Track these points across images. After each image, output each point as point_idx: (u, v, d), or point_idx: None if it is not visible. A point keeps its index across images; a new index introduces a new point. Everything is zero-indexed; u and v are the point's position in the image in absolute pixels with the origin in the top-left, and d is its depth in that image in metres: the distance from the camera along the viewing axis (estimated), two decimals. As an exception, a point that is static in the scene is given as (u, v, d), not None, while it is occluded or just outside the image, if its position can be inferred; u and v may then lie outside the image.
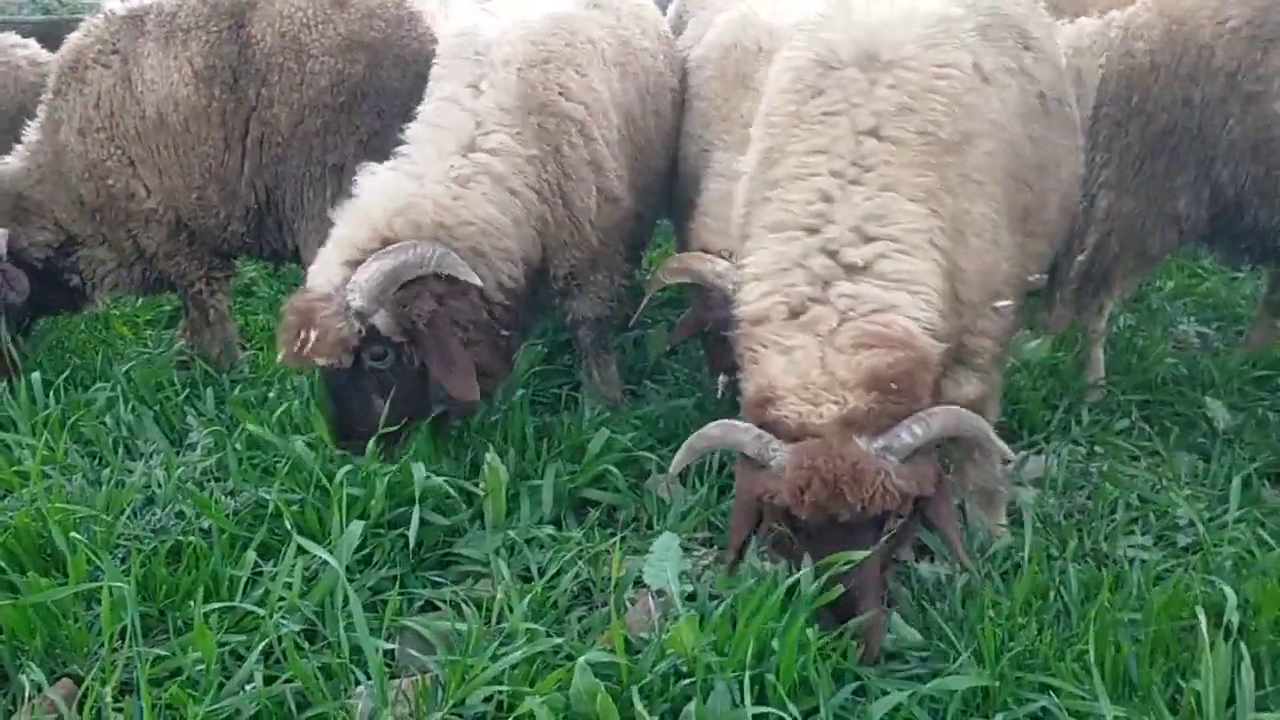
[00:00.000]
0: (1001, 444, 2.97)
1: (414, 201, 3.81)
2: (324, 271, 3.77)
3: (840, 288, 2.91)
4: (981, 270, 3.18)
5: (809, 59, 3.28)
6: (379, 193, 3.86)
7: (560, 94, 4.22)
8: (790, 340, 2.89)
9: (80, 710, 2.67)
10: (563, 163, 4.20)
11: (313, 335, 3.64)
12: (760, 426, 2.82)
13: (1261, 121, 4.25)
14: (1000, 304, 3.34)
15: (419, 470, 3.56)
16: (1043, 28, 3.81)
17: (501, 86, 4.13)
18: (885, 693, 2.74)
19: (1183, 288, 6.49)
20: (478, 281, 3.79)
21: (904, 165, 3.03)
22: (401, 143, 4.09)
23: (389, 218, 3.76)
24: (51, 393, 4.44)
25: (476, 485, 3.71)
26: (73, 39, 5.51)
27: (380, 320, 3.69)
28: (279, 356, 3.78)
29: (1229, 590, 2.91)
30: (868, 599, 2.81)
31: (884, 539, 2.86)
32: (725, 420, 2.93)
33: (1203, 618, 2.67)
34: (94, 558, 3.18)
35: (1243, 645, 2.70)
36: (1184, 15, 4.55)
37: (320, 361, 3.68)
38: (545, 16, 4.39)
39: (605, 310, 4.65)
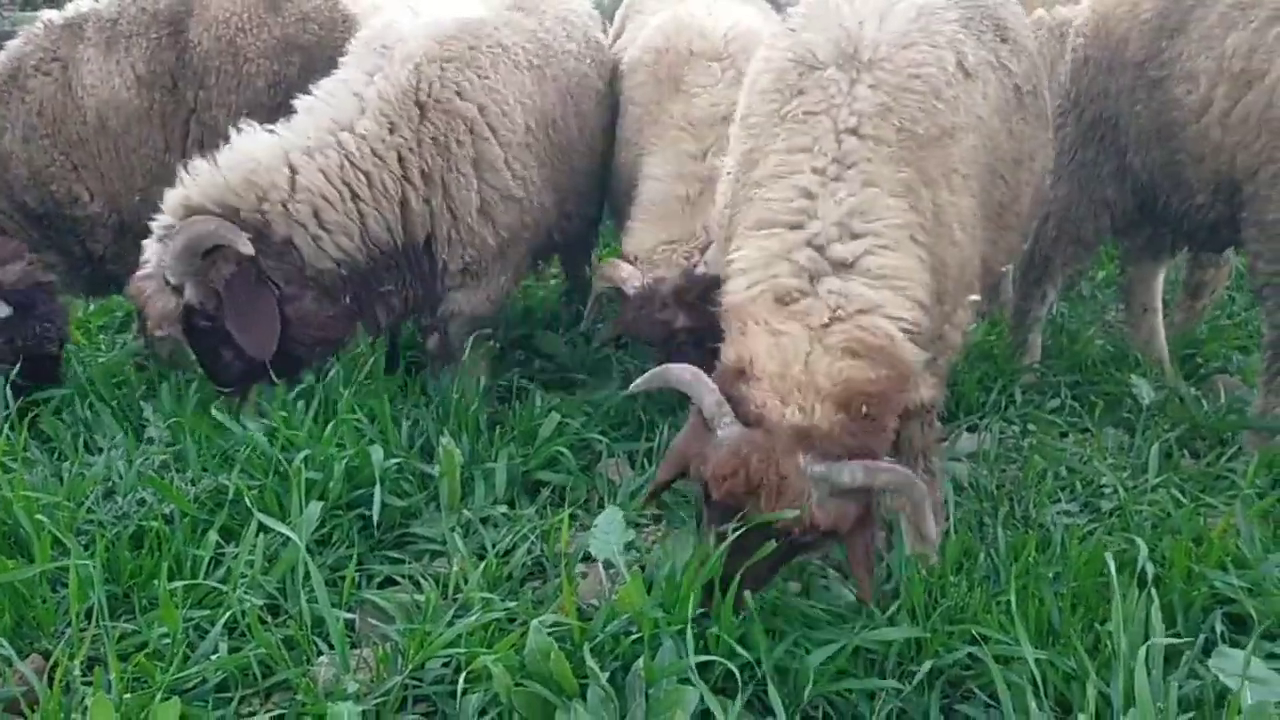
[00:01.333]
0: (932, 524, 2.99)
1: (244, 164, 4.13)
2: (148, 249, 4.15)
3: (828, 283, 2.91)
4: (961, 263, 3.22)
5: (789, 59, 3.29)
6: (233, 148, 4.21)
7: (455, 93, 4.42)
8: (781, 325, 2.88)
9: (50, 684, 2.75)
10: (449, 158, 4.41)
11: (146, 311, 4.14)
12: (725, 394, 2.84)
13: (1163, 107, 4.49)
14: (972, 297, 3.41)
15: (377, 453, 3.68)
16: (1017, 18, 3.86)
17: (393, 79, 4.37)
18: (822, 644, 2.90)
19: (1113, 276, 6.75)
20: (246, 249, 4.01)
21: (883, 161, 3.04)
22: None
23: (211, 180, 4.10)
24: (7, 389, 4.48)
25: (432, 467, 3.82)
26: (12, 47, 5.57)
27: (189, 291, 4.09)
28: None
29: (1141, 543, 3.10)
30: (749, 583, 2.83)
31: (781, 548, 2.81)
32: (698, 370, 2.92)
33: (1112, 565, 2.85)
34: (60, 539, 3.26)
35: (1154, 593, 2.89)
36: (1108, 11, 4.81)
37: (159, 334, 4.21)
38: (455, 19, 4.60)
39: (486, 309, 4.75)
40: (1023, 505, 3.88)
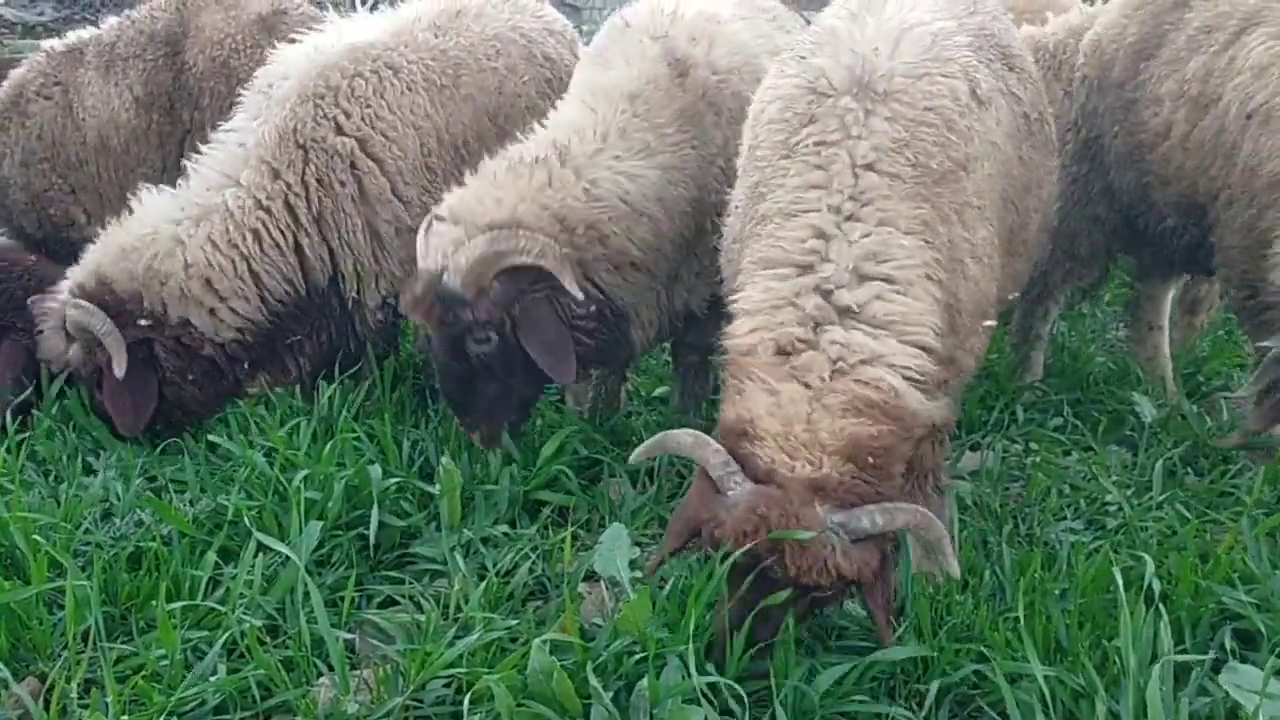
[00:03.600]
0: (953, 558, 2.80)
1: (139, 245, 4.27)
2: (68, 283, 4.36)
3: (832, 333, 2.84)
4: (978, 297, 3.17)
5: (798, 86, 3.19)
6: (131, 217, 4.37)
7: (333, 129, 4.37)
8: (779, 383, 2.82)
9: (46, 707, 2.72)
10: (334, 197, 4.37)
11: (38, 336, 4.47)
12: (730, 454, 2.76)
13: (1134, 128, 4.51)
14: (987, 323, 3.36)
15: (376, 472, 3.66)
16: (1021, 46, 3.81)
17: (273, 121, 4.36)
18: (830, 665, 2.87)
19: (1115, 296, 6.75)
20: (120, 370, 4.14)
21: (900, 199, 2.96)
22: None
23: (115, 253, 4.28)
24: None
25: (433, 487, 3.80)
26: (15, 75, 5.66)
27: (73, 351, 4.37)
28: None
29: (1148, 559, 3.08)
30: (764, 637, 2.77)
31: (799, 601, 2.77)
32: (699, 434, 2.85)
33: (1120, 580, 2.82)
34: (57, 559, 3.23)
35: (1162, 609, 2.86)
36: (1104, 31, 4.84)
37: (44, 360, 4.50)
38: (344, 47, 4.55)
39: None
40: (1027, 523, 3.85)
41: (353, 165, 4.39)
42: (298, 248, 4.37)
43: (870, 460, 2.73)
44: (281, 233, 4.32)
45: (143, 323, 4.21)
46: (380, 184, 4.44)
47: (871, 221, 2.93)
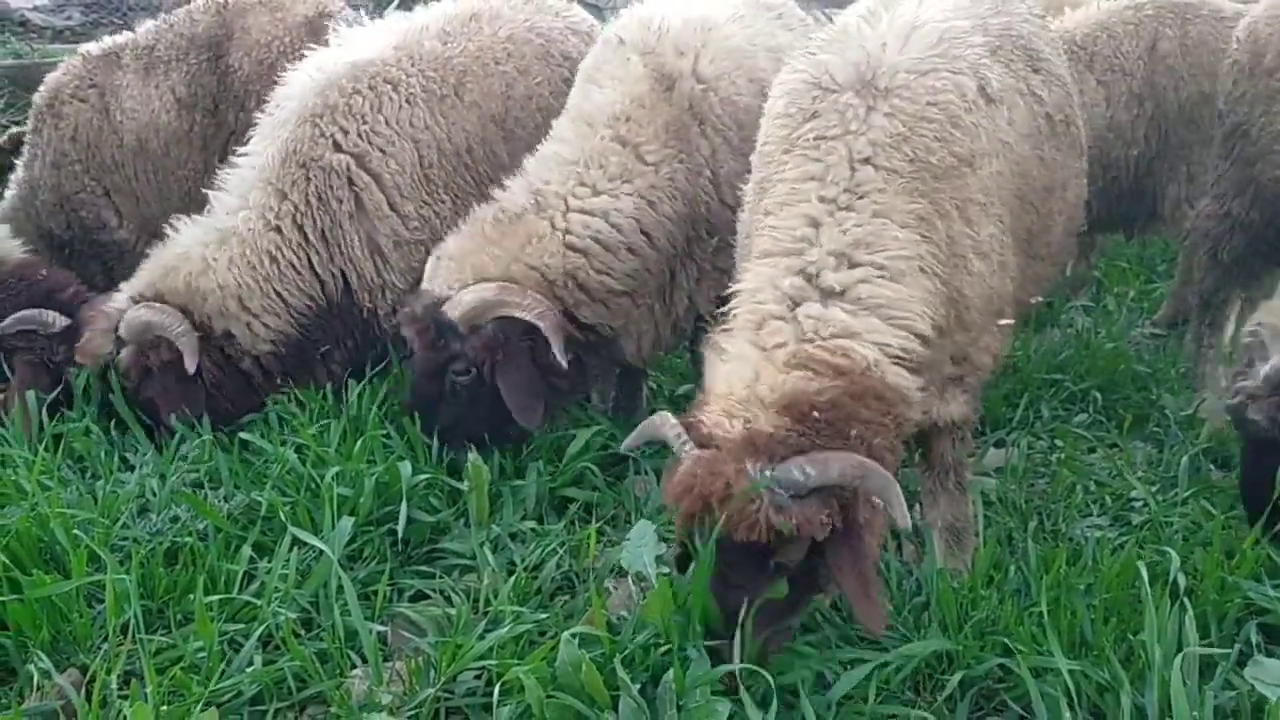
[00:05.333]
0: (901, 509, 2.67)
1: (179, 264, 4.45)
2: (119, 293, 4.53)
3: (808, 309, 2.87)
4: (987, 293, 3.16)
5: (804, 81, 3.22)
6: (170, 240, 4.54)
7: (329, 147, 4.45)
8: (735, 350, 2.88)
9: (88, 698, 2.78)
10: (332, 214, 4.46)
11: (86, 336, 4.56)
12: (684, 425, 2.81)
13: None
14: (1003, 322, 3.34)
15: (406, 469, 3.71)
16: (1051, 46, 3.79)
17: (277, 143, 4.47)
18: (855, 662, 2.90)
19: (1141, 293, 6.74)
20: (190, 362, 4.31)
21: (896, 193, 2.98)
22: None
23: (161, 271, 4.45)
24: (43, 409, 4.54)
25: (462, 483, 3.85)
26: (51, 78, 5.73)
27: (124, 353, 4.45)
28: None
29: (1173, 554, 3.09)
30: (743, 624, 2.71)
31: (772, 574, 2.72)
32: (666, 413, 2.90)
33: (1145, 574, 2.84)
34: (96, 554, 3.30)
35: (1188, 604, 2.87)
36: (1260, 17, 4.81)
37: (79, 361, 4.58)
38: (345, 65, 4.61)
39: None
40: (1052, 519, 3.86)
41: (350, 181, 4.46)
42: (310, 265, 4.49)
43: (814, 414, 2.68)
44: (294, 252, 4.45)
45: (196, 333, 4.37)
46: (377, 198, 4.50)
47: (866, 213, 2.95)
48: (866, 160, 3.01)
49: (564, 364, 3.84)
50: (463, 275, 3.90)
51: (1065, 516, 3.83)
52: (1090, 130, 5.89)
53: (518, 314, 3.81)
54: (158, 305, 4.34)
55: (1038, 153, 3.46)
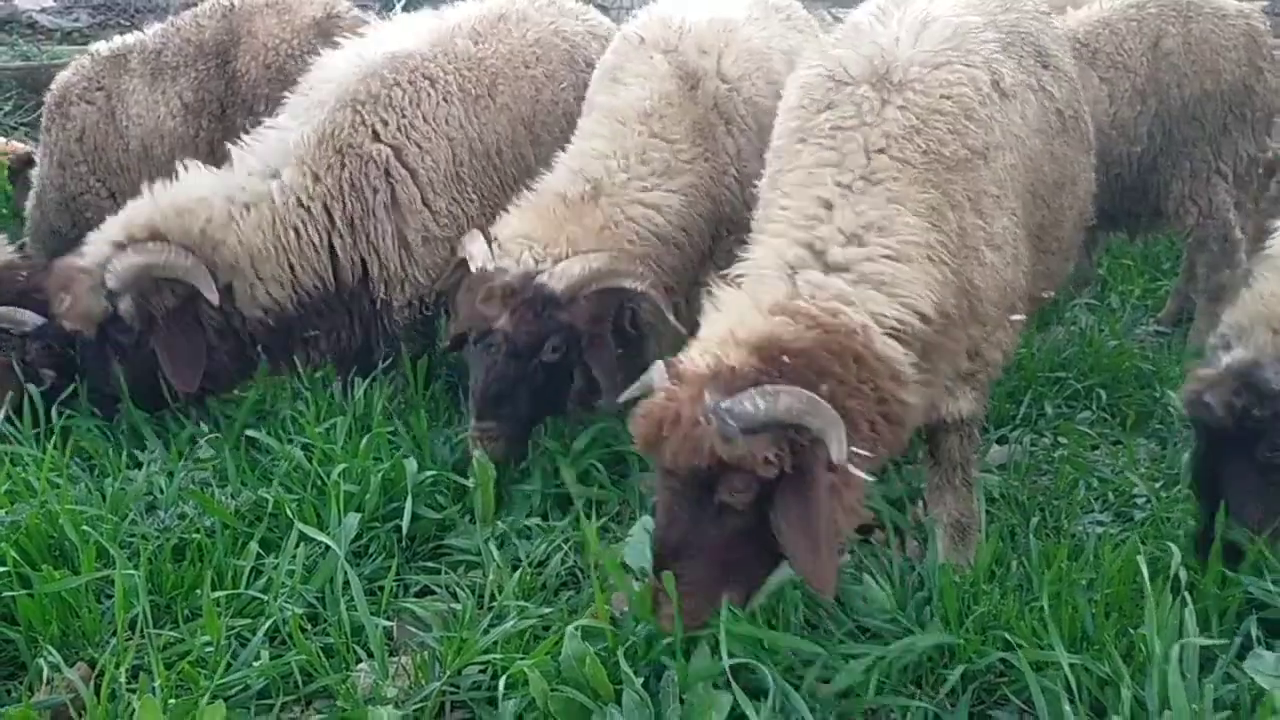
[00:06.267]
0: (839, 445, 2.64)
1: (195, 207, 4.25)
2: (96, 245, 4.29)
3: (808, 275, 2.92)
4: (1000, 286, 3.19)
5: (819, 75, 3.27)
6: (180, 184, 4.37)
7: (370, 136, 4.40)
8: (728, 300, 2.95)
9: (97, 692, 2.81)
10: (365, 203, 4.41)
11: (66, 301, 4.27)
12: (665, 366, 2.88)
13: None
14: (1015, 317, 3.37)
15: (411, 465, 3.74)
16: (1058, 43, 3.84)
17: (313, 124, 4.40)
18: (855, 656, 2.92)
19: (1146, 291, 6.74)
20: (214, 298, 4.19)
21: (909, 182, 3.02)
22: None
23: (170, 211, 4.23)
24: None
25: (468, 480, 3.87)
26: (61, 77, 5.78)
27: (124, 305, 4.23)
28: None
29: (1175, 548, 3.11)
30: (675, 563, 2.73)
31: (717, 513, 2.72)
32: (659, 362, 2.95)
33: (1144, 568, 2.85)
34: (105, 550, 3.33)
35: (1189, 598, 2.89)
36: None
37: (67, 327, 4.32)
38: (384, 55, 4.58)
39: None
40: (1054, 515, 3.88)
41: (387, 173, 4.44)
42: (331, 248, 4.44)
43: (783, 359, 2.70)
44: (318, 232, 4.39)
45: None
46: (411, 192, 4.48)
47: (880, 199, 2.99)
48: (881, 150, 3.05)
49: (680, 329, 3.70)
50: (556, 249, 3.83)
51: (1068, 513, 3.84)
52: (1094, 127, 5.93)
53: (628, 283, 3.82)
54: (155, 245, 4.17)
55: (1049, 148, 3.49)
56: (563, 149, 4.33)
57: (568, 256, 3.82)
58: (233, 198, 4.32)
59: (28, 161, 6.27)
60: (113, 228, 4.30)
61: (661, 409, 2.70)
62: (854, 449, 2.71)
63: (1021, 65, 3.45)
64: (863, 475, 2.78)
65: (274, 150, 4.43)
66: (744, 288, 2.99)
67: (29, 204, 5.88)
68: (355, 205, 4.42)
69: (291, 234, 4.35)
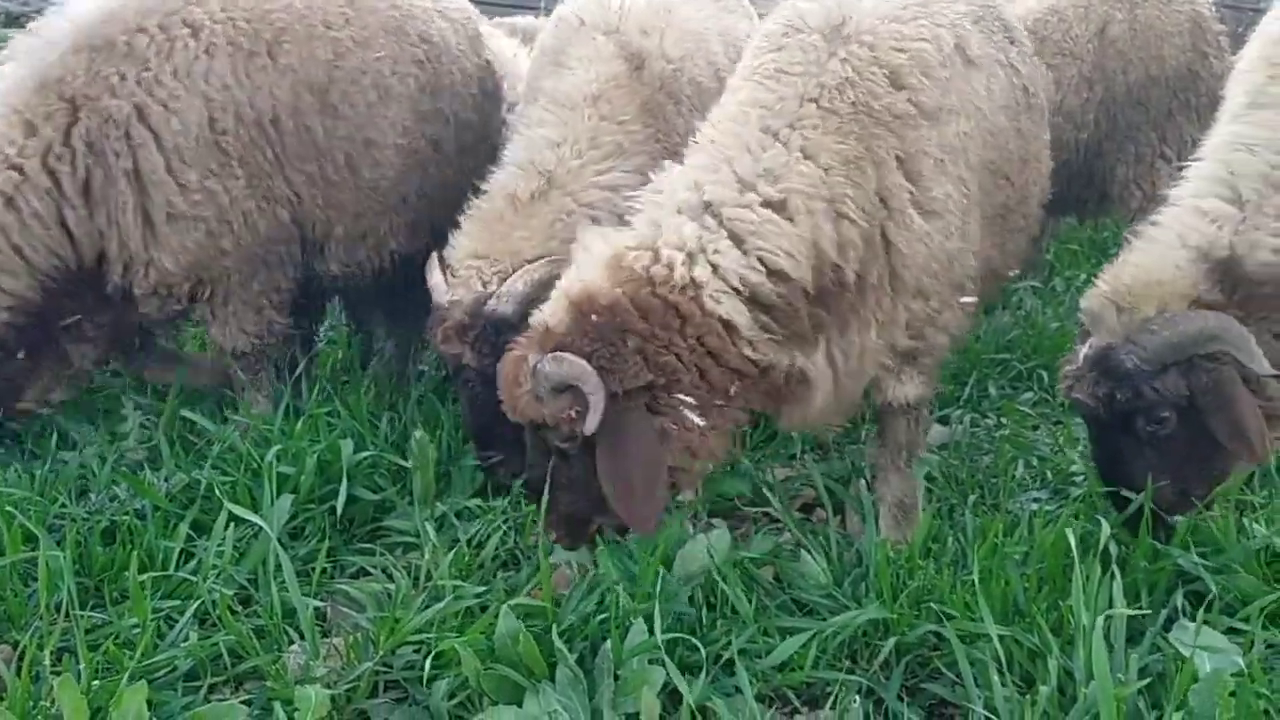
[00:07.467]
0: (596, 410, 2.78)
1: None
2: None
3: (675, 220, 2.95)
4: (937, 256, 3.15)
5: (779, 23, 3.27)
6: None
7: (106, 89, 3.77)
8: (591, 244, 3.02)
9: (18, 673, 2.76)
10: (105, 167, 3.80)
11: None
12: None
13: None
14: (965, 299, 3.35)
15: (348, 447, 3.70)
16: (1018, 22, 3.89)
17: (35, 69, 3.76)
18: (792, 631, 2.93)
19: (1091, 276, 6.79)
20: None
21: (827, 132, 2.99)
22: None
23: None
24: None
25: (406, 462, 3.84)
26: None
27: None
28: None
29: (1105, 522, 3.14)
30: (538, 497, 3.04)
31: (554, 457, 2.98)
32: None
33: (1073, 540, 2.87)
34: (30, 531, 3.27)
35: (1117, 571, 2.92)
36: None
37: None
38: None
39: (246, 345, 4.20)
40: (993, 493, 3.91)
41: (127, 135, 3.79)
42: (62, 220, 3.79)
43: (591, 316, 2.82)
44: (42, 201, 3.75)
45: None
46: (155, 160, 3.82)
47: (793, 148, 2.97)
48: (814, 100, 3.04)
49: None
50: (500, 267, 3.70)
51: (1006, 490, 3.87)
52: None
53: None
54: None
55: (1015, 124, 3.49)
56: (366, 129, 4.12)
57: (513, 271, 3.68)
58: None
59: None
60: None
61: (504, 366, 2.95)
62: (680, 396, 2.87)
63: (990, 39, 3.46)
64: (697, 419, 2.90)
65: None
66: (604, 232, 3.07)
67: None
68: (96, 170, 3.78)
69: (3, 206, 3.70)
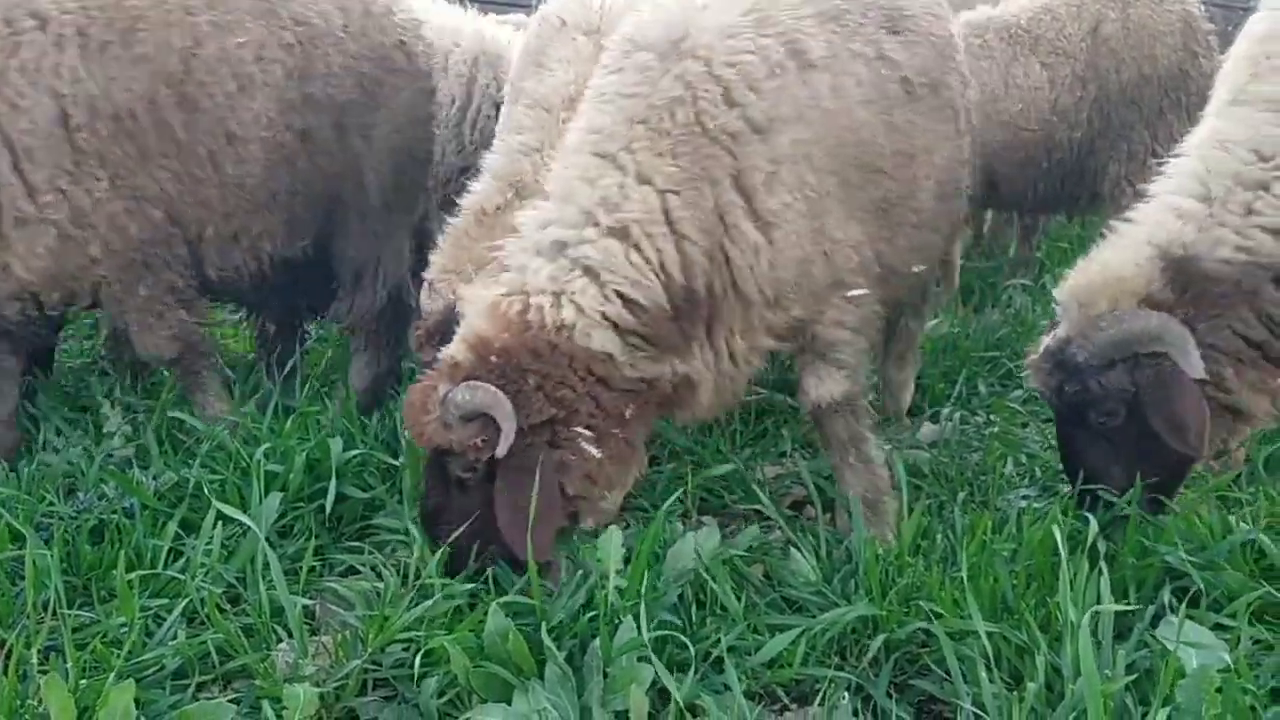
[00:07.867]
0: (508, 437, 2.91)
1: None
2: None
3: (533, 262, 3.05)
4: (780, 265, 3.13)
5: (621, 39, 3.26)
6: None
7: None
8: (475, 294, 3.18)
9: (5, 672, 2.75)
10: None
11: None
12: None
13: None
14: (853, 293, 3.32)
15: (337, 445, 3.70)
16: (924, 8, 3.71)
17: None
18: (781, 628, 2.93)
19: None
20: None
21: (657, 154, 3.02)
22: None
23: None
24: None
25: (394, 459, 3.84)
26: None
27: None
28: None
29: (1093, 519, 3.14)
30: (435, 527, 3.13)
31: (455, 485, 3.08)
32: None
33: (1060, 538, 2.88)
34: (17, 530, 3.26)
35: (1105, 568, 2.92)
36: None
37: None
38: None
39: (171, 351, 4.08)
40: (982, 490, 3.91)
41: None
42: None
43: (491, 358, 2.98)
44: None
45: None
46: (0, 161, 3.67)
47: (628, 174, 3.03)
48: (643, 121, 3.07)
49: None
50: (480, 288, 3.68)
51: (994, 487, 3.88)
52: (1035, 112, 6.00)
53: None
54: None
55: (885, 118, 3.40)
56: (227, 118, 3.96)
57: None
58: None
59: None
60: None
61: (411, 395, 3.07)
62: (578, 429, 3.02)
63: (851, 35, 3.37)
64: (594, 450, 3.04)
65: None
66: (484, 283, 3.23)
67: None
68: None
69: None
